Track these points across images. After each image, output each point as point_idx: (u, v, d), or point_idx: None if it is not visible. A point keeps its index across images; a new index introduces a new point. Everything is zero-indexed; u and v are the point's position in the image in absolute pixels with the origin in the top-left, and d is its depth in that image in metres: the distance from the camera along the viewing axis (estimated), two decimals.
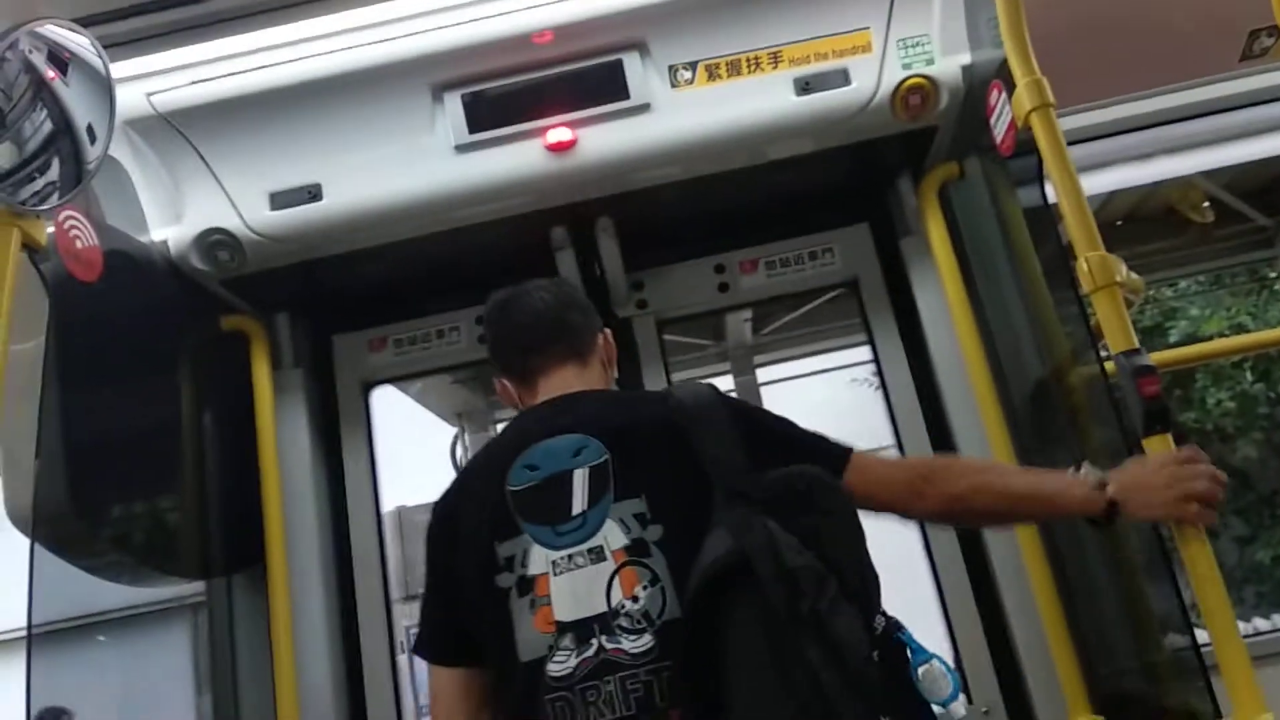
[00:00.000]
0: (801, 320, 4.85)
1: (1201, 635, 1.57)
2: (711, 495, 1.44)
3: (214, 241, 2.17)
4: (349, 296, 2.57)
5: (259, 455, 2.26)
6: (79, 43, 1.80)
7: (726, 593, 1.34)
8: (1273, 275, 7.64)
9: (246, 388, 2.32)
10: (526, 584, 1.44)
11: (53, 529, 1.86)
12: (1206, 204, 4.23)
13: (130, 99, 2.10)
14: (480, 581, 1.47)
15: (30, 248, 1.69)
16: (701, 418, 1.51)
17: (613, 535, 1.44)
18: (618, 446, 1.49)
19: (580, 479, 1.47)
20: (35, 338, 1.80)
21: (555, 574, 1.43)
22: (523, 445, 1.53)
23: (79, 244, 1.85)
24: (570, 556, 1.44)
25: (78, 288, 1.83)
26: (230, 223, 2.17)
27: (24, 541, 1.80)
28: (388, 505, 3.77)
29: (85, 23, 1.80)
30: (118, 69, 1.85)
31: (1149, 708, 1.90)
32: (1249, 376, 7.83)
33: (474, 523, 1.52)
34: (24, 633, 1.70)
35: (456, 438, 4.83)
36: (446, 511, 1.59)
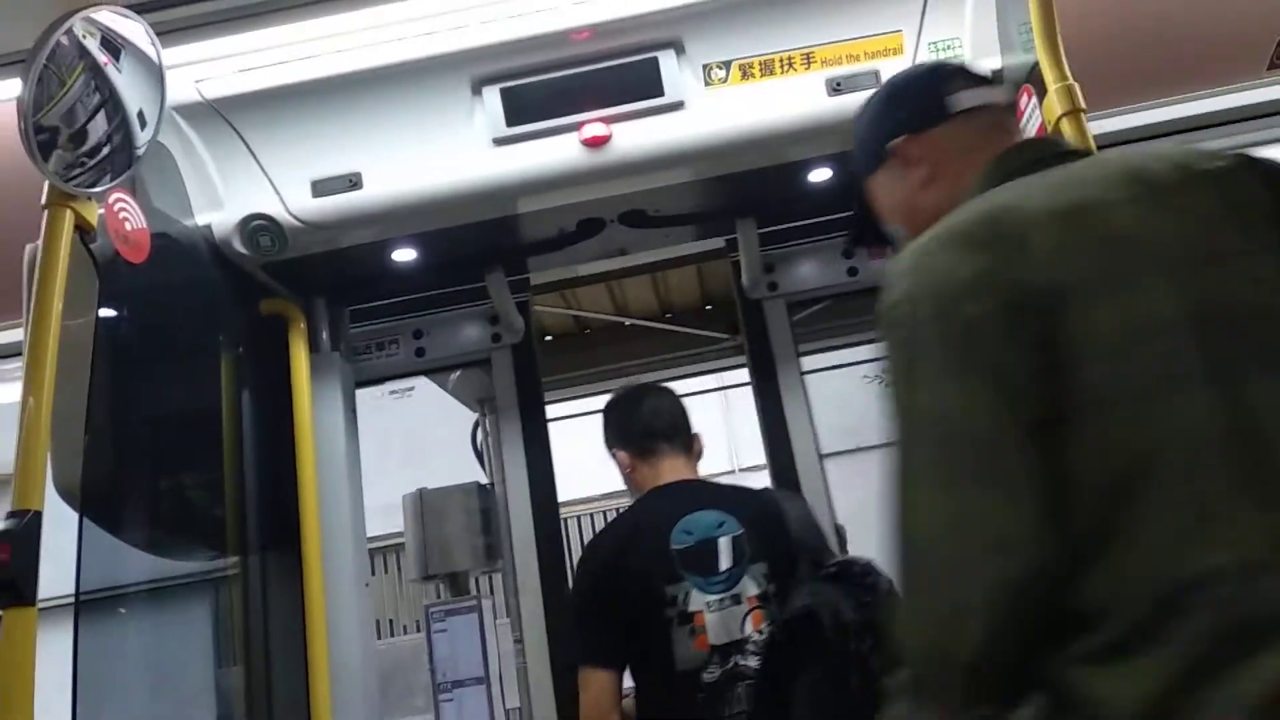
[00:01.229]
0: (813, 317, 4.90)
1: None
2: (799, 565, 2.00)
3: (256, 227, 2.23)
4: (384, 284, 2.63)
5: (295, 435, 2.32)
6: (132, 29, 1.85)
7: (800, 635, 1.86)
8: None
9: (285, 369, 2.38)
10: (686, 617, 1.99)
11: (100, 503, 1.91)
12: None
13: (179, 86, 2.15)
14: (650, 611, 1.99)
15: (81, 229, 1.74)
16: (792, 512, 2.12)
17: (748, 587, 2.01)
18: (748, 524, 2.05)
19: (725, 545, 2.03)
20: (84, 316, 1.86)
21: (709, 610, 1.99)
22: (677, 515, 2.06)
23: (128, 226, 1.91)
24: (721, 600, 2.00)
25: (125, 269, 1.88)
26: (272, 209, 2.22)
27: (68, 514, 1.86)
28: (410, 488, 3.83)
29: (138, 9, 1.85)
30: (168, 55, 1.90)
31: None
32: None
33: (644, 568, 2.02)
34: (69, 601, 1.75)
35: (477, 423, 4.88)
36: (614, 559, 2.07)
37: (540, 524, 2.71)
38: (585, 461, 3.49)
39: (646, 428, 2.20)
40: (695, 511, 2.07)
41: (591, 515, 8.76)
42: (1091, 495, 0.89)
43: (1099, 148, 1.72)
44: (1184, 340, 0.92)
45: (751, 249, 2.54)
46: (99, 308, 1.86)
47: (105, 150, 1.85)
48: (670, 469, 2.17)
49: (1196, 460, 0.89)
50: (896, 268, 1.03)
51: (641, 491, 2.18)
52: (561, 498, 2.91)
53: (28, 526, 1.52)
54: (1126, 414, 0.90)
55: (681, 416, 2.25)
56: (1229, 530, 0.87)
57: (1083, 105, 1.74)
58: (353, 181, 2.21)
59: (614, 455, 2.24)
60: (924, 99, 1.33)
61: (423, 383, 4.42)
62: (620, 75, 2.18)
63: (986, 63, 2.13)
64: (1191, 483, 0.88)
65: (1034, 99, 1.93)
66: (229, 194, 2.24)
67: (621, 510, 2.28)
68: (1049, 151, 1.19)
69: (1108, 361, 0.91)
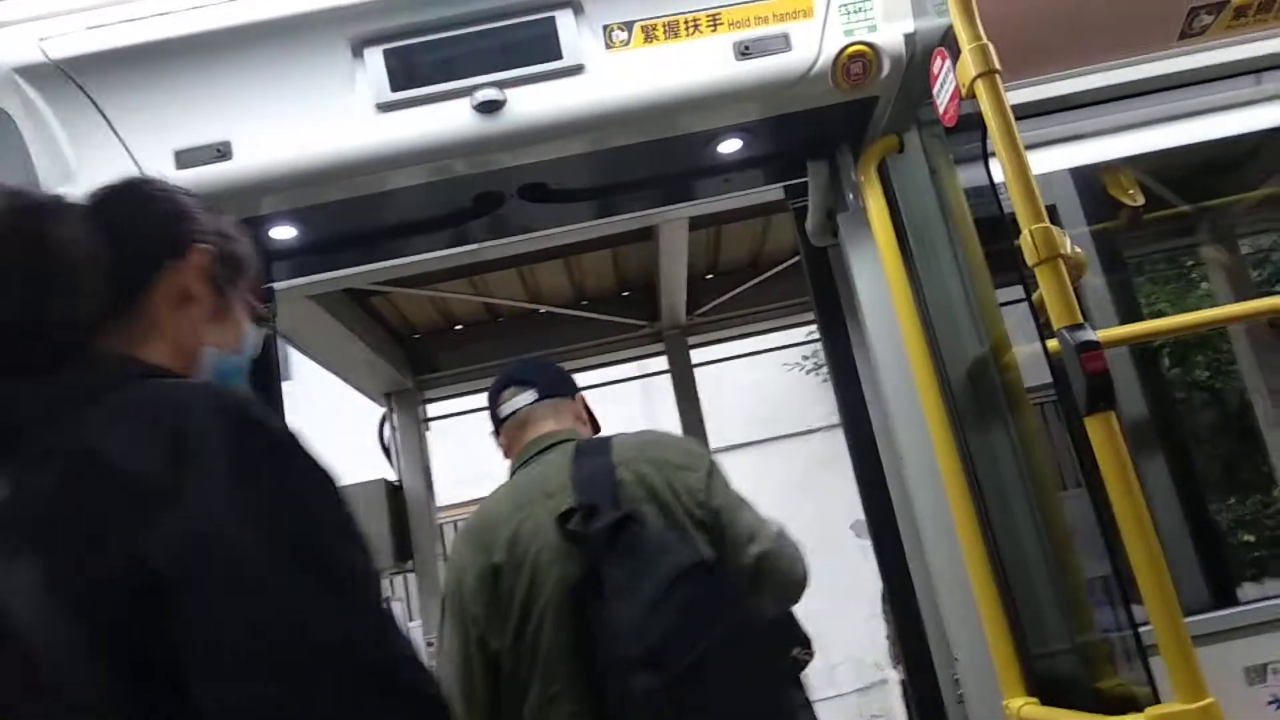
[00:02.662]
0: (734, 302, 4.82)
1: (1140, 614, 1.55)
2: None
3: None
4: (265, 264, 2.43)
5: None
6: None
7: None
8: (1190, 263, 7.80)
9: None
10: None
11: None
12: (1133, 190, 4.26)
13: (20, 44, 1.95)
14: None
15: None
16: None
17: None
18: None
19: None
20: None
21: None
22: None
23: None
24: None
25: None
26: None
27: None
28: None
29: None
30: (5, 10, 1.71)
31: (1084, 690, 1.88)
32: (1166, 363, 8.00)
33: None
34: None
35: (384, 418, 4.69)
36: None
37: None
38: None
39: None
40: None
41: None
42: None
43: (1016, 118, 1.65)
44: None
45: (820, 192, 2.39)
46: None
47: None
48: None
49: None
50: None
51: None
52: (472, 495, 2.76)
53: None
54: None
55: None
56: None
57: (997, 67, 1.66)
58: (221, 151, 2.02)
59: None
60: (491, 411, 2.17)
61: (324, 374, 4.21)
62: (515, 36, 2.04)
63: (899, 25, 2.04)
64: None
65: (947, 62, 1.85)
66: (81, 164, 2.03)
67: None
68: (530, 453, 2.02)
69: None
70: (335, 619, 0.81)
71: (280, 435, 0.91)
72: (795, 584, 1.95)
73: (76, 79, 2.00)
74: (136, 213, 1.12)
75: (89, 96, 2.02)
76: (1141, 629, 1.54)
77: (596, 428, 2.18)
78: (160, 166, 2.02)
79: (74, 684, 0.78)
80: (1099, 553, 1.69)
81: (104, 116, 2.02)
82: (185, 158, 2.02)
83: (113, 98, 2.02)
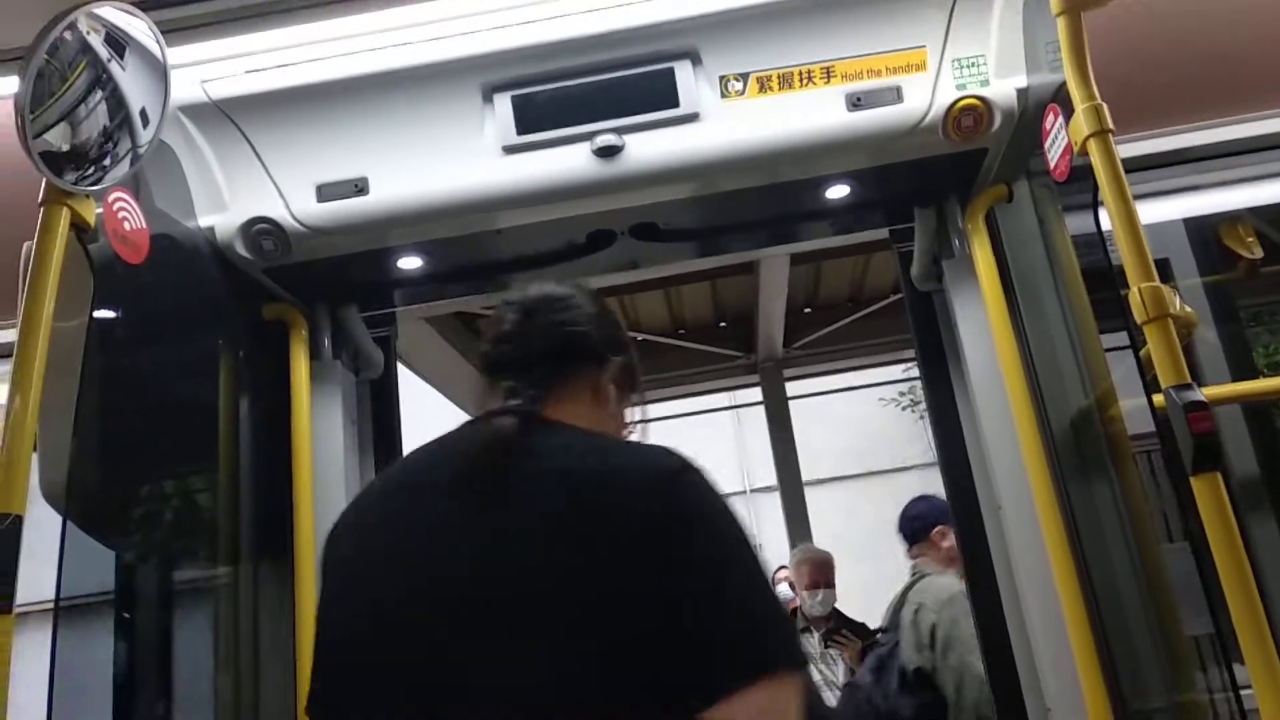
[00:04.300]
0: (831, 337, 4.84)
1: (1241, 674, 1.54)
2: None
3: (259, 230, 2.18)
4: (390, 290, 2.58)
5: (292, 444, 2.27)
6: (136, 26, 1.82)
7: None
8: None
9: (284, 377, 2.33)
10: None
11: (86, 506, 1.87)
12: (1252, 239, 4.15)
13: (184, 85, 2.12)
14: None
15: (78, 227, 1.71)
16: None
17: None
18: None
19: None
20: (78, 317, 1.82)
21: None
22: None
23: (127, 226, 1.87)
24: None
25: (123, 269, 1.85)
26: (276, 213, 2.18)
27: (53, 517, 1.82)
28: None
29: (144, 6, 1.82)
30: (173, 54, 1.87)
31: None
32: None
33: None
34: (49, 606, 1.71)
35: None
36: None
37: None
38: None
39: None
40: None
41: None
42: None
43: (1127, 171, 1.67)
44: None
45: (927, 238, 2.44)
46: (94, 308, 1.83)
47: (105, 148, 1.82)
48: None
49: None
50: None
51: None
52: None
53: (8, 531, 1.49)
54: None
55: None
56: None
57: (1110, 126, 1.68)
58: (359, 187, 2.17)
59: None
60: None
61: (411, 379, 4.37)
62: (634, 85, 2.14)
63: (1011, 80, 2.08)
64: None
65: (1059, 119, 1.88)
66: (233, 196, 2.20)
67: None
68: None
69: None
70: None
71: None
72: None
73: (233, 117, 2.18)
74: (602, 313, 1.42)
75: (243, 134, 2.19)
76: (1243, 691, 1.53)
77: None
78: (304, 199, 2.18)
79: None
80: (1201, 610, 1.68)
81: (255, 152, 2.20)
82: (326, 191, 2.18)
83: (264, 136, 2.19)
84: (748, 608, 1.08)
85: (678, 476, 1.11)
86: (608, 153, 2.11)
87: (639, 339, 4.83)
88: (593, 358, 1.34)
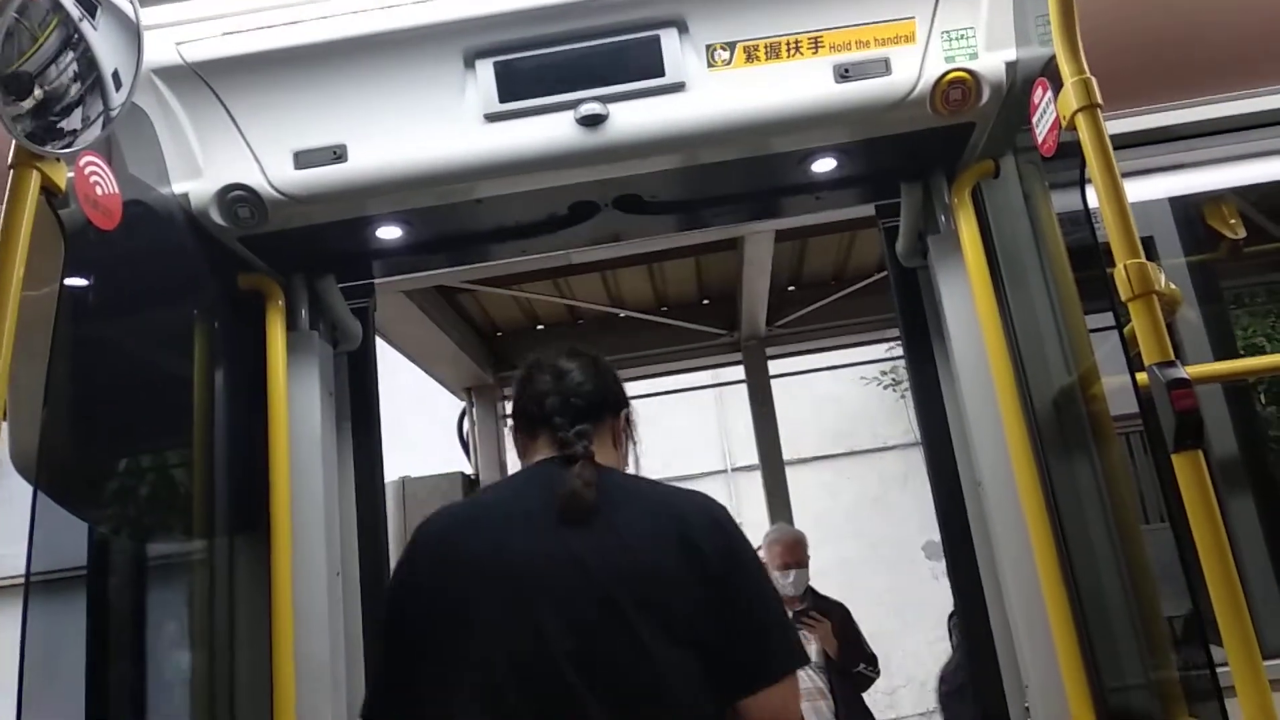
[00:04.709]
0: (815, 315, 4.83)
1: (1218, 654, 1.54)
2: None
3: (235, 198, 2.14)
4: (369, 261, 2.54)
5: (269, 416, 2.24)
6: None
7: None
8: None
9: (261, 347, 2.29)
10: None
11: (57, 477, 1.83)
12: (1235, 219, 4.15)
13: (159, 47, 2.07)
14: None
15: (49, 191, 1.66)
16: None
17: None
18: None
19: None
20: (49, 284, 1.78)
21: None
22: None
23: (99, 190, 1.83)
24: None
25: (95, 235, 1.80)
26: (253, 179, 2.13)
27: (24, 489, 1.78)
28: (392, 475, 3.75)
29: None
30: (147, 15, 1.83)
31: None
32: (1261, 400, 7.72)
33: None
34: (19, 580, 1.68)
35: (464, 412, 4.82)
36: None
37: None
38: None
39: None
40: None
41: None
42: None
43: (1116, 148, 1.66)
44: None
45: (912, 214, 2.42)
46: (65, 275, 1.78)
47: (76, 110, 1.77)
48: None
49: None
50: None
51: None
52: None
53: None
54: None
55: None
56: None
57: (1099, 100, 1.67)
58: (337, 154, 2.13)
59: None
60: None
61: (408, 367, 4.34)
62: (620, 53, 2.10)
63: (1000, 54, 2.06)
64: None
65: (1049, 93, 1.86)
66: (208, 162, 2.16)
67: None
68: None
69: None
70: None
71: None
72: None
73: (208, 81, 2.13)
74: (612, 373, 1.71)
75: (219, 98, 2.14)
76: (1219, 669, 1.53)
77: None
78: (280, 166, 2.14)
79: None
80: (1179, 589, 1.68)
81: (231, 118, 2.15)
82: (303, 158, 2.14)
83: (240, 100, 2.14)
84: (780, 618, 1.50)
85: (727, 516, 1.51)
86: (591, 122, 2.08)
87: (622, 315, 4.80)
88: (611, 409, 1.65)
